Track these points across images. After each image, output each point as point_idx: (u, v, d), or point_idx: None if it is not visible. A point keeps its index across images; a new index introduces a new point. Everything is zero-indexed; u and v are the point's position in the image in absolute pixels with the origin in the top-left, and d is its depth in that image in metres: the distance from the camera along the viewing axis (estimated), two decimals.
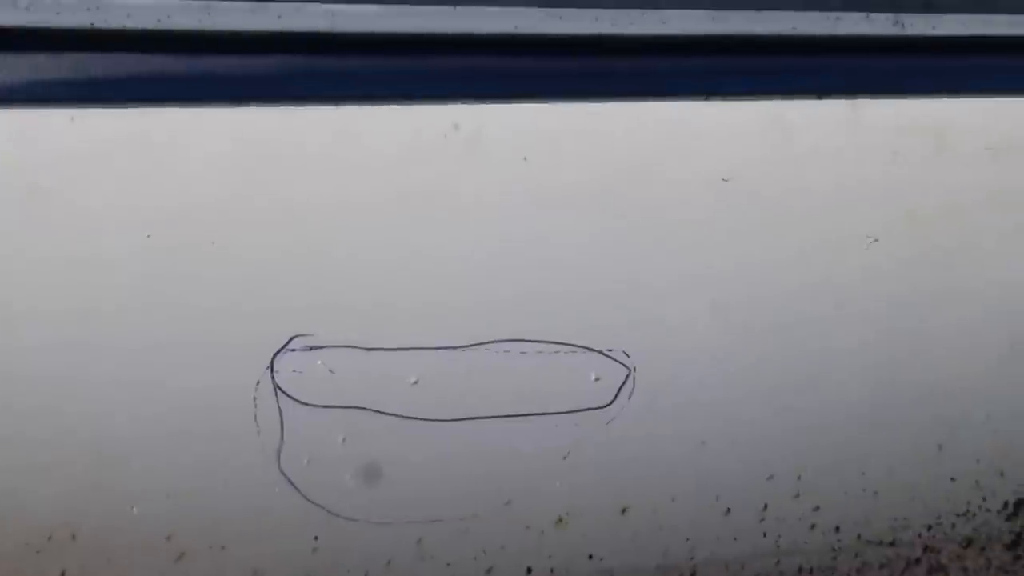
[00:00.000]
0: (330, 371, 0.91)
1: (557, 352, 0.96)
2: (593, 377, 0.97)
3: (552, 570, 1.03)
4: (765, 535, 1.07)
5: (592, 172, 0.93)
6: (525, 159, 0.93)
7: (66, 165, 0.82)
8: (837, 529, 1.10)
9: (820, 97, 1.01)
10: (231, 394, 0.89)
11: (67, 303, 0.84)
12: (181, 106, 0.85)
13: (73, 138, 0.82)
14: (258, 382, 0.89)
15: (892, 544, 1.13)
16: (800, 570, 1.11)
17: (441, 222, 0.91)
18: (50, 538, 0.88)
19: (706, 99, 0.98)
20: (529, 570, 1.02)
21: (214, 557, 0.93)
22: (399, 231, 0.90)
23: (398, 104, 0.90)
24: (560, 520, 1.01)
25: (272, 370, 0.90)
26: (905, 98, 1.03)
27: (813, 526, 1.09)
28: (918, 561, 1.15)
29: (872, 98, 1.01)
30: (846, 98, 1.00)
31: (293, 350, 0.90)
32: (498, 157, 0.92)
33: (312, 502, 0.93)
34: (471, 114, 0.91)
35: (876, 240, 1.02)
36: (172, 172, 0.84)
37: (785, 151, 1.00)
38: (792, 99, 1.00)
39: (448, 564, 0.99)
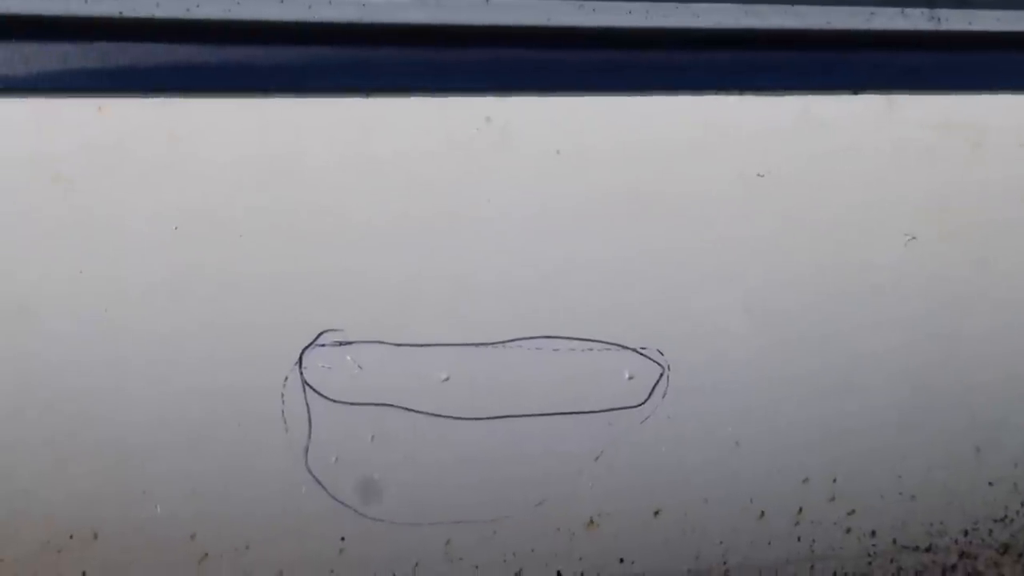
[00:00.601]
0: (359, 367, 0.88)
1: (590, 350, 0.93)
2: (627, 376, 0.94)
3: (582, 573, 0.99)
4: (799, 539, 1.04)
5: (626, 168, 0.91)
6: (558, 152, 0.91)
7: (92, 155, 0.81)
8: (873, 534, 1.07)
9: (856, 92, 0.99)
10: (259, 390, 0.86)
11: (92, 297, 0.81)
12: (208, 97, 0.84)
13: (100, 128, 0.81)
14: (286, 378, 0.87)
15: (928, 550, 1.10)
16: (835, 575, 1.08)
17: (473, 217, 0.88)
18: (72, 537, 0.86)
19: (740, 94, 0.96)
20: (559, 573, 0.99)
21: (238, 557, 0.90)
22: (430, 226, 0.87)
23: (427, 96, 0.89)
24: (591, 522, 0.98)
25: (301, 366, 0.87)
26: (942, 94, 1.02)
27: (848, 530, 1.06)
28: (954, 567, 1.11)
29: (909, 94, 1.00)
30: (882, 94, 1.00)
31: (322, 345, 0.87)
32: (530, 151, 0.89)
33: (339, 502, 0.90)
34: (502, 107, 0.89)
35: (914, 238, 1.00)
36: (199, 164, 0.82)
37: (820, 147, 0.97)
38: (827, 94, 0.99)
39: (476, 567, 0.96)
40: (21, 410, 0.82)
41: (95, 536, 0.86)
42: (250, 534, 0.89)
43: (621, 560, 1.01)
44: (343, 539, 0.92)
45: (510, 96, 0.89)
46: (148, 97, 0.82)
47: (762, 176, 0.95)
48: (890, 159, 0.99)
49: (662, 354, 0.94)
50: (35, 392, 0.82)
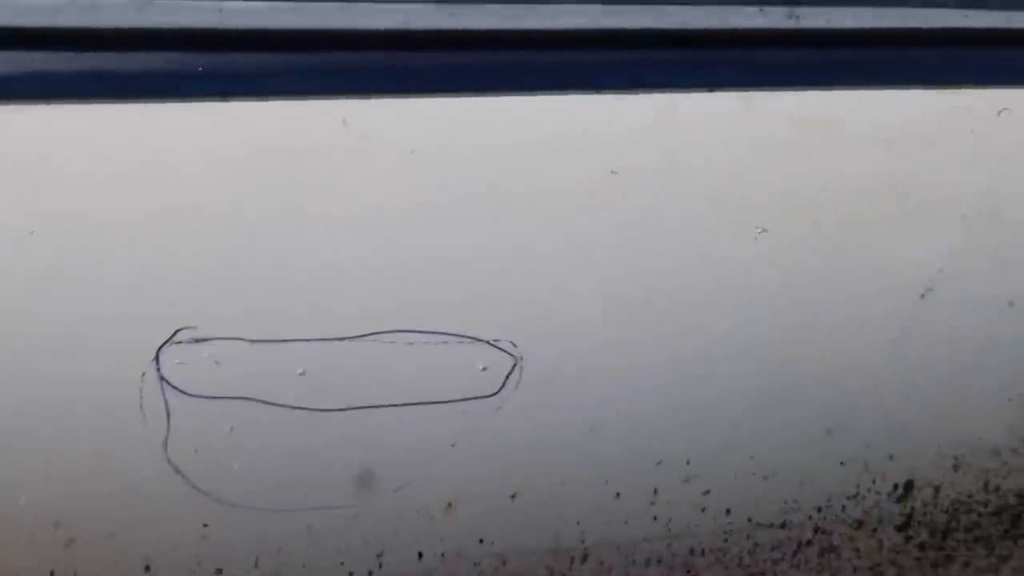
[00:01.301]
0: (216, 363, 0.91)
1: (444, 343, 0.95)
2: (480, 367, 0.97)
3: (443, 554, 1.03)
4: (656, 519, 1.08)
5: (481, 166, 0.93)
6: (412, 152, 0.93)
7: None
8: (728, 512, 1.10)
9: (712, 90, 1.01)
10: (117, 384, 0.87)
11: None
12: (66, 103, 0.83)
13: None
14: (144, 374, 0.89)
15: (783, 526, 1.14)
16: (692, 552, 1.12)
17: (329, 216, 0.90)
18: None
19: (597, 93, 0.98)
20: (420, 555, 1.03)
21: (103, 543, 0.93)
22: (287, 225, 0.89)
23: (284, 99, 0.91)
24: (450, 506, 1.01)
25: (158, 362, 0.89)
26: (798, 90, 1.04)
27: (704, 509, 1.10)
28: (809, 543, 1.16)
29: (765, 90, 1.02)
30: (738, 91, 1.02)
31: (179, 343, 0.90)
32: (385, 151, 0.90)
33: (201, 490, 0.93)
34: (358, 109, 0.91)
35: (765, 231, 1.03)
36: (57, 167, 0.83)
37: (676, 144, 1.00)
38: (683, 92, 1.01)
39: (339, 549, 1.00)
40: None
41: None
42: (115, 521, 0.92)
43: (481, 541, 1.04)
44: (206, 525, 0.95)
45: (366, 98, 0.92)
46: (9, 103, 0.84)
47: (616, 173, 0.98)
48: (745, 155, 1.02)
49: (515, 346, 0.97)
50: None
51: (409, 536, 1.00)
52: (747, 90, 1.01)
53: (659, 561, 1.10)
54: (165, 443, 0.91)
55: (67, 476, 0.89)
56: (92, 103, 0.86)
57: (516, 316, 0.96)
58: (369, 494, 0.97)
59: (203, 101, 0.88)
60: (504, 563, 1.05)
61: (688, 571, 1.12)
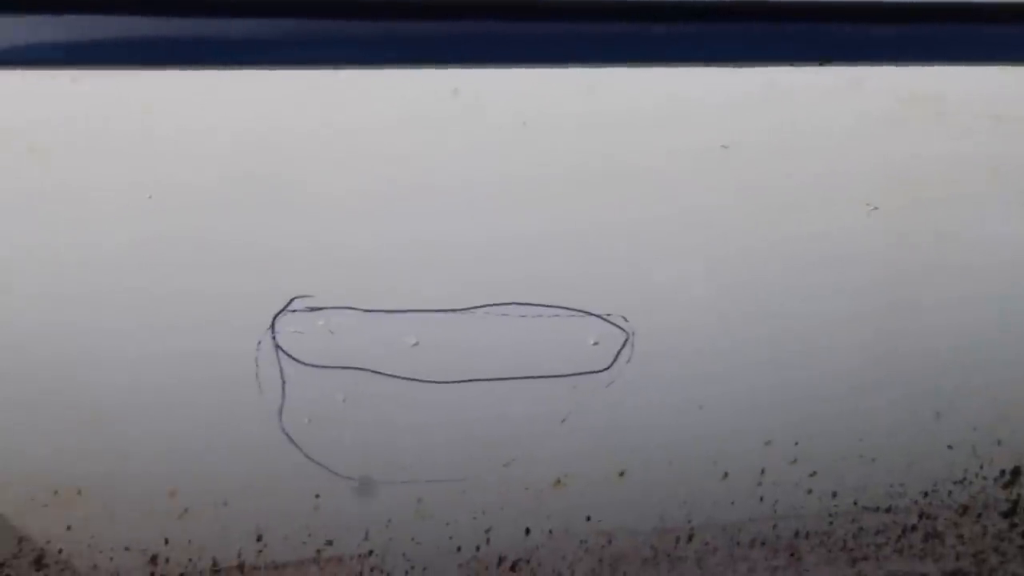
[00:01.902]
0: (330, 332, 0.90)
1: (556, 316, 0.93)
2: (592, 341, 0.95)
3: (551, 531, 1.01)
4: (762, 499, 1.05)
5: (591, 138, 0.90)
6: (524, 123, 0.91)
7: (66, 126, 0.81)
8: (834, 495, 1.07)
9: (822, 64, 0.98)
10: (234, 354, 0.86)
11: (70, 266, 0.82)
12: (180, 69, 0.84)
13: (74, 100, 0.81)
14: (259, 342, 0.88)
15: (888, 510, 1.10)
16: (797, 534, 1.08)
17: (441, 186, 0.88)
18: (56, 493, 0.88)
19: (707, 66, 0.96)
20: (528, 531, 1.01)
21: (217, 512, 0.92)
22: (400, 195, 0.87)
23: (395, 68, 0.89)
24: (558, 482, 0.99)
25: (273, 331, 0.88)
26: (906, 66, 1.00)
27: (810, 491, 1.06)
28: (914, 528, 1.12)
29: (873, 65, 0.99)
30: (847, 66, 0.99)
31: (294, 311, 0.88)
32: (497, 122, 0.89)
33: (313, 460, 0.92)
34: (470, 79, 0.90)
35: (876, 208, 1.00)
36: (173, 135, 0.82)
37: (785, 118, 0.97)
38: (793, 65, 0.98)
39: (447, 524, 0.98)
40: (4, 373, 0.83)
41: (79, 492, 0.88)
42: (228, 490, 0.91)
43: (588, 518, 1.02)
44: (317, 496, 0.93)
45: (478, 68, 0.90)
46: (122, 69, 0.83)
47: (727, 147, 0.95)
48: (854, 130, 0.99)
49: (627, 320, 0.95)
50: (13, 357, 0.83)
51: (516, 512, 0.98)
52: (856, 65, 0.99)
53: (763, 543, 1.07)
54: (280, 412, 0.89)
55: (183, 446, 0.88)
56: (204, 70, 0.85)
57: (628, 290, 0.93)
58: (478, 468, 0.97)
59: (315, 69, 0.88)
60: (610, 542, 1.03)
61: (792, 554, 1.09)
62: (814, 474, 1.05)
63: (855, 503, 1.09)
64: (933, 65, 1.01)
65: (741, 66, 0.96)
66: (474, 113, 0.89)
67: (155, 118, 0.82)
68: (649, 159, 0.93)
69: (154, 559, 0.92)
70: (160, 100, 0.83)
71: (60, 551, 0.90)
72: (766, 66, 0.96)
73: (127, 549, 0.91)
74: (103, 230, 0.81)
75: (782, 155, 0.97)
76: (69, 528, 0.89)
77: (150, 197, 0.82)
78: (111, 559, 0.91)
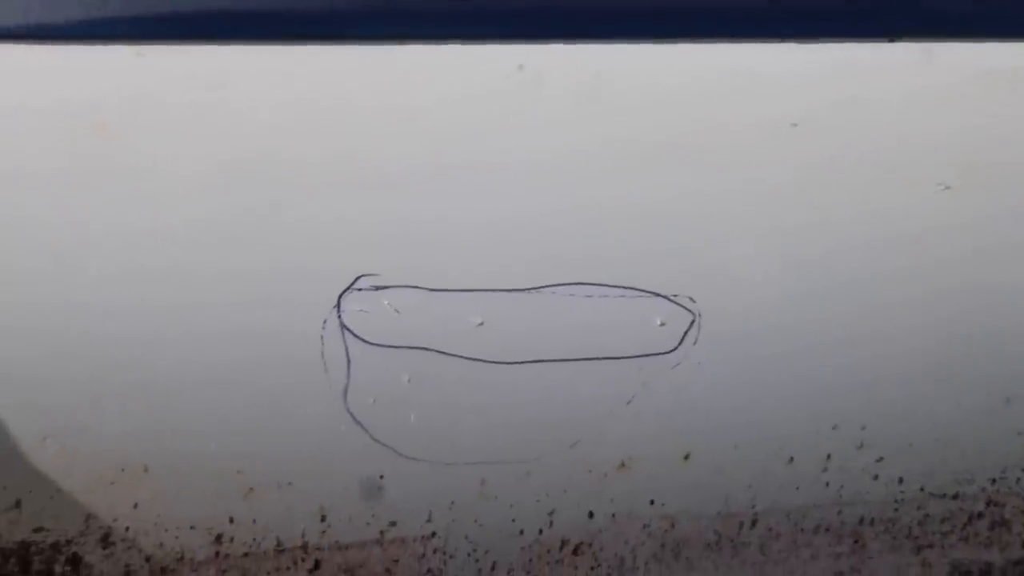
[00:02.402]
0: (396, 311, 0.88)
1: (622, 296, 0.91)
2: (658, 322, 0.92)
3: (614, 514, 0.99)
4: (828, 485, 1.02)
5: (658, 114, 0.89)
6: (591, 100, 0.88)
7: (131, 102, 0.79)
8: (900, 481, 1.04)
9: (892, 40, 0.95)
10: (299, 333, 0.85)
11: (136, 243, 0.80)
12: (246, 44, 0.82)
13: (139, 75, 0.80)
14: (325, 321, 0.87)
15: (955, 497, 1.07)
16: (862, 521, 1.06)
17: (507, 163, 0.86)
18: (123, 470, 0.87)
19: (778, 41, 0.93)
20: (591, 514, 0.99)
21: (282, 492, 0.91)
22: (465, 172, 0.85)
23: (460, 44, 0.88)
24: (622, 464, 0.97)
25: (339, 309, 0.87)
26: (979, 41, 0.97)
27: (876, 477, 1.03)
28: (980, 515, 1.09)
29: (946, 41, 0.95)
30: (919, 41, 0.96)
31: (360, 290, 0.87)
32: (562, 97, 0.88)
33: (378, 441, 0.90)
34: (534, 55, 0.88)
35: (948, 187, 0.97)
36: (238, 111, 0.81)
37: (856, 95, 0.95)
38: (863, 42, 0.95)
39: (511, 506, 0.96)
40: (69, 352, 0.82)
41: (146, 469, 0.87)
42: (293, 470, 0.90)
43: (652, 502, 1.00)
44: (382, 477, 0.92)
45: (542, 43, 0.88)
46: (187, 44, 0.82)
47: (796, 125, 0.92)
48: (926, 108, 0.96)
49: (694, 301, 0.92)
50: (83, 334, 0.82)
51: (580, 494, 0.96)
52: (928, 41, 0.96)
53: (827, 529, 1.04)
54: (345, 392, 0.88)
55: (249, 426, 0.87)
56: (270, 45, 0.84)
57: (695, 271, 0.91)
58: (543, 450, 0.95)
59: (379, 44, 0.86)
60: (673, 526, 1.00)
61: (856, 540, 1.06)
62: (881, 459, 1.03)
63: (922, 489, 1.06)
64: (1006, 40, 0.99)
65: (810, 42, 0.94)
66: (540, 89, 0.87)
67: (220, 93, 0.81)
68: (718, 136, 0.90)
69: (219, 538, 0.91)
70: (225, 75, 0.81)
71: (127, 529, 0.89)
72: (835, 42, 0.95)
73: (192, 528, 0.90)
74: (169, 207, 0.80)
75: (852, 133, 0.94)
76: (136, 506, 0.88)
77: (215, 174, 0.82)
78: (176, 537, 0.90)
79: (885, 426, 1.01)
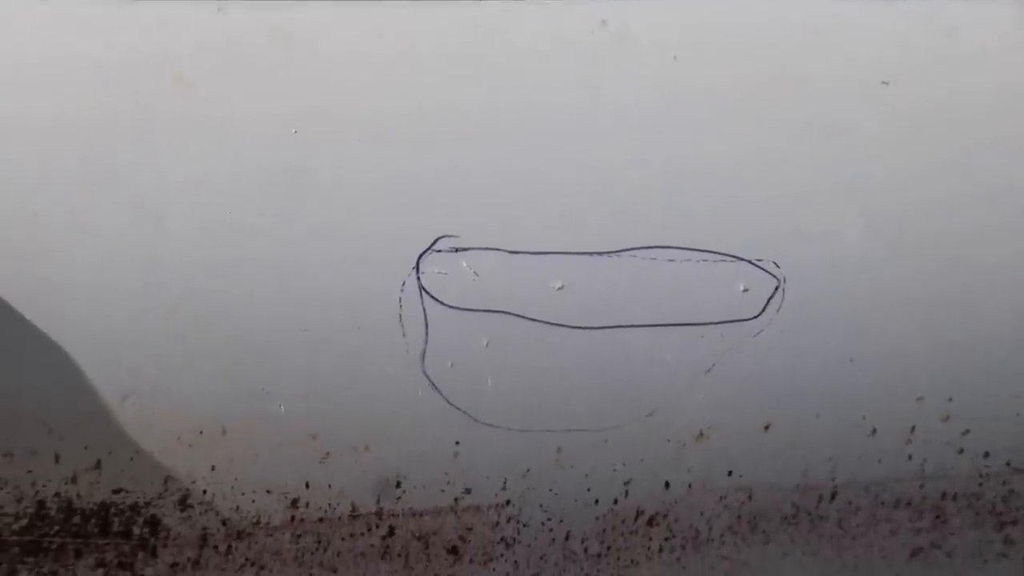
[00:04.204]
0: (475, 274, 0.85)
1: (705, 260, 0.88)
2: (741, 288, 0.88)
3: (690, 485, 0.95)
4: (911, 458, 0.97)
5: (743, 73, 0.84)
6: (675, 58, 0.85)
7: (211, 57, 0.78)
8: (986, 455, 0.99)
9: None
10: (377, 295, 0.82)
11: (212, 200, 0.79)
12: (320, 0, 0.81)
13: (218, 30, 0.78)
14: (403, 283, 0.84)
15: None
16: (944, 496, 1.01)
17: (586, 124, 0.83)
18: (201, 433, 0.85)
19: None
20: (667, 484, 0.96)
21: (358, 457, 0.88)
22: (547, 133, 0.82)
23: (540, 1, 0.84)
24: (701, 434, 0.93)
25: (418, 271, 0.84)
26: None
27: (961, 451, 0.99)
28: None
29: None
30: None
31: (439, 251, 0.84)
32: (646, 56, 0.84)
33: (454, 406, 0.87)
34: (618, 10, 0.84)
35: None
36: (316, 67, 0.79)
37: (948, 53, 0.90)
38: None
39: (586, 475, 0.92)
40: (149, 310, 0.81)
41: (223, 432, 0.85)
42: (369, 435, 0.88)
43: (729, 473, 0.96)
44: (457, 443, 0.89)
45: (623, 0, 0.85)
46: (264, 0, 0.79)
47: (887, 84, 0.88)
48: (1020, 65, 0.90)
49: (778, 266, 0.88)
50: (162, 292, 0.80)
51: (657, 464, 0.93)
52: None
53: (908, 504, 1.00)
54: (423, 356, 0.85)
55: (326, 389, 0.84)
56: (348, 0, 0.81)
57: (780, 235, 0.87)
58: (620, 418, 0.92)
59: (459, 0, 0.83)
60: (750, 498, 0.97)
61: (937, 516, 1.01)
62: (967, 433, 0.98)
63: (1008, 464, 1.00)
64: None
65: None
66: (623, 45, 0.83)
67: (298, 49, 0.79)
68: (804, 94, 0.86)
69: (295, 503, 0.89)
70: (303, 31, 0.79)
71: (204, 492, 0.87)
72: None
73: (269, 492, 0.88)
74: (249, 163, 0.78)
75: (943, 91, 0.89)
76: (213, 468, 0.86)
77: (295, 132, 0.79)
78: (253, 501, 0.88)
79: (972, 398, 0.96)
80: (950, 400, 0.96)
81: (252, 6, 0.78)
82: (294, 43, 0.78)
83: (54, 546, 0.87)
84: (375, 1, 0.79)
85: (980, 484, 1.02)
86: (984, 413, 0.97)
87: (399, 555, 0.93)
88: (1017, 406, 0.98)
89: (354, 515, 0.91)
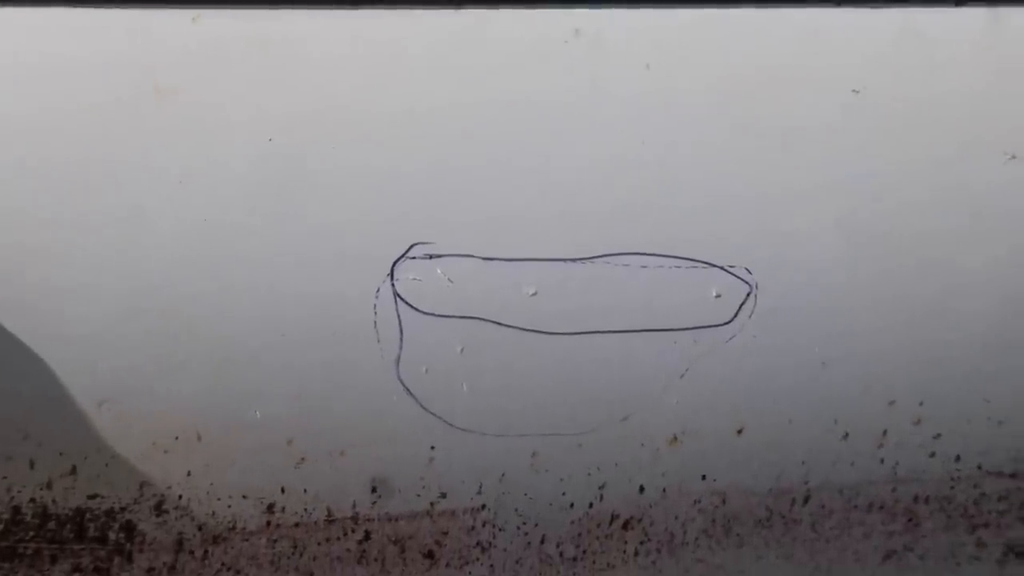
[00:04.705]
0: (449, 280, 0.86)
1: (678, 267, 0.89)
2: (714, 294, 0.89)
3: (665, 489, 0.96)
4: (883, 461, 0.98)
5: (716, 80, 0.85)
6: (647, 66, 0.86)
7: (192, 63, 0.78)
8: (958, 458, 1.00)
9: (958, 5, 0.91)
10: (352, 300, 0.83)
11: (189, 207, 0.79)
12: (302, 8, 0.81)
13: (195, 39, 0.78)
14: (378, 289, 0.85)
15: (1013, 476, 1.03)
16: (916, 499, 1.02)
17: (559, 132, 0.83)
18: (177, 439, 0.85)
19: (837, 5, 0.89)
20: (642, 488, 0.96)
21: (333, 462, 0.89)
22: (517, 141, 0.82)
23: (519, 8, 0.85)
24: (675, 439, 0.94)
25: (392, 277, 0.85)
26: None
27: (933, 454, 1.00)
28: None
29: (1014, 6, 0.91)
30: (986, 6, 0.91)
31: (413, 258, 0.85)
32: (619, 63, 0.85)
33: (429, 411, 0.88)
34: (591, 19, 0.85)
35: (1014, 157, 0.93)
36: (293, 75, 0.80)
37: (919, 61, 0.91)
38: (928, 6, 0.91)
39: (562, 479, 0.93)
40: (125, 316, 0.81)
41: (199, 438, 0.85)
42: (345, 440, 0.88)
43: (703, 477, 0.96)
44: (433, 448, 0.89)
45: (599, 8, 0.85)
46: (242, 8, 0.80)
47: (857, 92, 0.89)
48: (993, 75, 0.91)
49: (750, 273, 0.89)
50: (138, 298, 0.80)
51: (632, 468, 0.93)
52: (997, 5, 0.92)
53: (881, 507, 1.01)
54: (398, 361, 0.86)
55: (301, 394, 0.85)
56: (324, 8, 0.80)
57: (751, 241, 0.88)
58: (595, 423, 0.92)
59: (436, 8, 0.83)
60: (724, 501, 0.97)
61: (910, 519, 1.02)
62: (938, 436, 0.99)
63: (979, 467, 1.02)
64: None
65: (873, 6, 0.90)
66: (596, 54, 0.84)
67: (274, 56, 0.79)
68: (776, 101, 0.87)
69: (271, 507, 0.89)
70: (278, 38, 0.79)
71: (180, 497, 0.87)
72: (899, 6, 0.90)
73: (245, 497, 0.88)
74: (224, 171, 0.78)
75: (915, 100, 0.90)
76: (189, 474, 0.86)
77: (270, 140, 0.80)
78: (229, 506, 0.88)
79: (943, 402, 0.97)
80: (921, 404, 0.97)
81: (228, 15, 0.79)
82: (270, 50, 0.78)
83: (29, 552, 0.87)
84: (350, 9, 0.80)
85: (952, 487, 1.03)
86: (955, 416, 0.98)
87: (375, 559, 0.94)
88: (988, 410, 0.99)
89: (330, 520, 0.91)
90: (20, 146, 0.77)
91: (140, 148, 0.77)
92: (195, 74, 0.77)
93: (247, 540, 0.90)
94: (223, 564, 0.90)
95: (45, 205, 0.78)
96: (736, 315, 0.90)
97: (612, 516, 0.97)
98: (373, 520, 0.92)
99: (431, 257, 0.84)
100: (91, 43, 0.76)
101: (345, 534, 0.92)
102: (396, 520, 0.92)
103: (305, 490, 0.89)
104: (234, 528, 0.90)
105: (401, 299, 0.84)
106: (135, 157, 0.77)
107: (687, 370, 0.90)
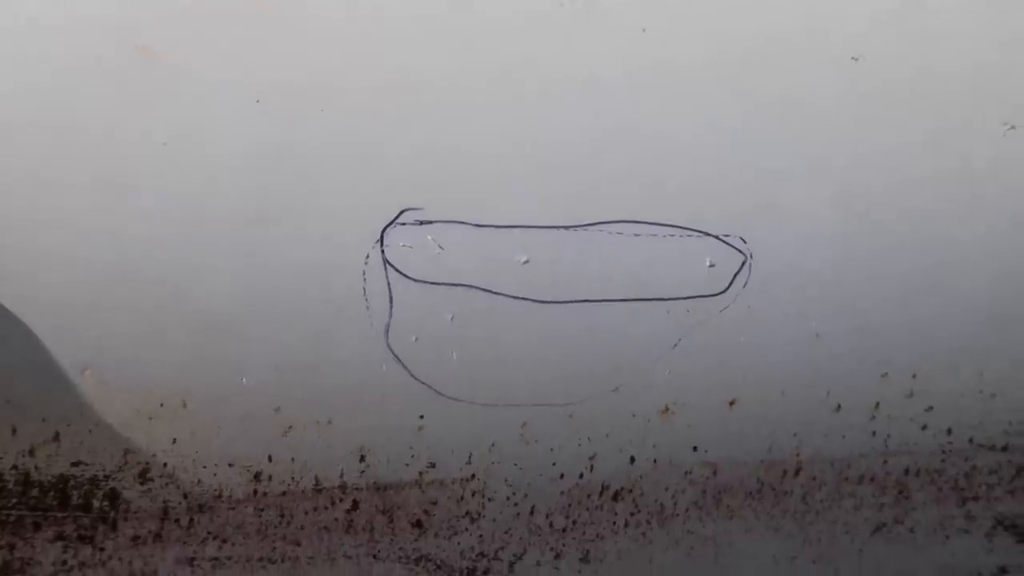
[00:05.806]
0: (439, 247, 0.85)
1: (672, 235, 0.87)
2: (708, 263, 0.88)
3: (655, 460, 0.95)
4: (875, 434, 0.98)
5: (713, 45, 0.83)
6: (644, 30, 0.84)
7: (175, 26, 0.77)
8: (949, 431, 1.00)
9: None
10: (342, 267, 0.81)
11: (177, 172, 0.77)
12: None
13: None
14: (368, 256, 0.84)
15: (1004, 449, 1.03)
16: (907, 471, 1.02)
17: (554, 98, 0.81)
18: (162, 405, 0.84)
19: None
20: (633, 459, 0.96)
21: (321, 431, 0.88)
22: (510, 107, 0.80)
23: None
24: (666, 409, 0.94)
25: (382, 244, 0.83)
26: None
27: (924, 427, 1.00)
28: None
29: None
30: None
31: (403, 224, 0.84)
32: (615, 28, 0.83)
33: (418, 380, 0.87)
34: None
35: (1013, 127, 0.92)
36: (281, 37, 0.78)
37: (919, 30, 0.89)
38: None
39: (552, 449, 0.92)
40: (109, 281, 0.79)
41: (184, 405, 0.84)
42: (332, 408, 0.87)
43: (695, 448, 0.96)
44: (422, 417, 0.88)
45: None
46: None
47: (856, 60, 0.87)
48: (995, 46, 0.90)
49: (745, 242, 0.88)
50: (123, 263, 0.78)
51: (622, 439, 0.93)
52: None
53: (872, 479, 1.01)
54: (387, 329, 0.84)
55: (289, 362, 0.83)
56: None
57: (747, 210, 0.86)
58: (586, 393, 0.92)
59: None
60: (715, 473, 0.97)
61: (900, 492, 1.02)
62: (930, 409, 0.98)
63: (970, 441, 1.02)
64: None
65: None
66: (592, 17, 0.82)
67: (262, 17, 0.77)
68: (774, 68, 0.85)
69: (257, 476, 0.88)
70: (269, 2, 0.78)
71: (165, 465, 0.86)
72: None
73: (231, 465, 0.87)
74: (213, 135, 0.76)
75: (914, 67, 0.89)
76: (174, 442, 0.85)
77: (258, 102, 0.78)
78: (215, 474, 0.87)
79: (936, 375, 0.97)
80: (914, 377, 0.97)
81: None
82: (258, 10, 0.76)
83: (12, 519, 0.86)
84: None
85: (943, 460, 1.03)
86: (948, 390, 0.98)
87: (363, 529, 0.93)
88: (980, 383, 0.98)
89: (317, 488, 0.90)
90: (0, 114, 0.76)
91: (123, 111, 0.75)
92: (179, 35, 0.75)
93: (233, 509, 0.89)
94: (209, 533, 0.89)
95: (26, 170, 0.76)
96: (730, 285, 0.89)
97: (602, 487, 0.96)
98: (361, 489, 0.91)
99: (421, 223, 0.82)
100: (70, 1, 0.75)
101: (333, 503, 0.91)
102: (384, 489, 0.92)
103: (292, 459, 0.88)
104: (220, 496, 0.89)
105: (391, 266, 0.83)
106: (118, 121, 0.75)
107: (679, 340, 0.89)
